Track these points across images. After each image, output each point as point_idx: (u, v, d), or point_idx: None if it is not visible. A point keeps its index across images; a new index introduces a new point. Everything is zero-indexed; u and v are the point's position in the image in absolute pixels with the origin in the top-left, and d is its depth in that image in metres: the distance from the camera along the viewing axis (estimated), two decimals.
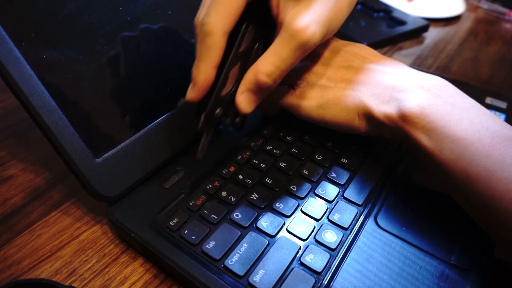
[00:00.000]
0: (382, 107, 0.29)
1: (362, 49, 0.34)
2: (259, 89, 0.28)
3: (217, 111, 0.28)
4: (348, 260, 0.27)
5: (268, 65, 0.27)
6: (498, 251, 0.28)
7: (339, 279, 0.25)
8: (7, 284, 0.23)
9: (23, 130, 0.39)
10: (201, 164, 0.32)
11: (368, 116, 0.30)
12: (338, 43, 0.35)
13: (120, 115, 0.31)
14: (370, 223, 0.29)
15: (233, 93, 0.29)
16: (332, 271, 0.26)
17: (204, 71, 0.27)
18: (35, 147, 0.37)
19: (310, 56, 0.33)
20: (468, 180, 0.26)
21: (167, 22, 0.34)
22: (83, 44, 0.29)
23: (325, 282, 0.25)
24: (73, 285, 0.27)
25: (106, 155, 0.29)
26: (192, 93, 0.28)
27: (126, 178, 0.30)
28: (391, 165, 0.34)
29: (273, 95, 0.34)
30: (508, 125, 0.26)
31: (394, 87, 0.30)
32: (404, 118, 0.28)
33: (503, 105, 0.44)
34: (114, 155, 0.29)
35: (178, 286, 0.27)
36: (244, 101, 0.28)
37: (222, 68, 0.28)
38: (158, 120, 0.32)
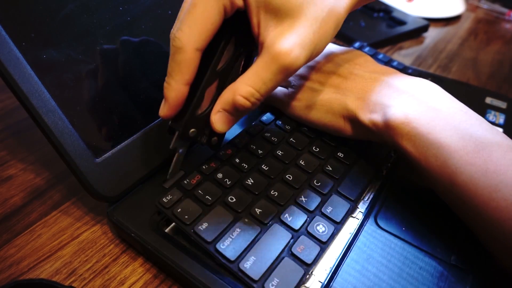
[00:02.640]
0: (368, 113, 0.30)
1: (355, 56, 0.34)
2: (235, 110, 0.27)
3: (191, 131, 0.27)
4: (348, 260, 0.27)
5: (247, 87, 0.25)
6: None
7: (338, 279, 0.25)
8: (7, 284, 0.23)
9: (23, 130, 0.39)
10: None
11: (354, 121, 0.31)
12: (332, 48, 0.36)
13: (120, 115, 0.31)
14: (370, 223, 0.29)
15: (209, 112, 0.27)
16: (332, 271, 0.26)
17: (175, 87, 0.25)
18: (35, 147, 0.37)
19: None
20: (453, 187, 0.26)
21: (167, 22, 0.34)
22: (83, 44, 0.29)
23: (325, 282, 0.25)
24: (73, 285, 0.27)
25: (106, 155, 0.29)
26: (164, 110, 0.26)
27: (126, 178, 0.30)
28: (387, 163, 0.34)
29: None
30: (494, 129, 0.26)
31: (380, 93, 0.30)
32: (389, 125, 0.28)
33: (503, 105, 0.44)
34: (114, 155, 0.29)
35: (178, 286, 0.27)
36: (220, 120, 0.27)
37: (198, 86, 0.26)
38: (158, 120, 0.32)
